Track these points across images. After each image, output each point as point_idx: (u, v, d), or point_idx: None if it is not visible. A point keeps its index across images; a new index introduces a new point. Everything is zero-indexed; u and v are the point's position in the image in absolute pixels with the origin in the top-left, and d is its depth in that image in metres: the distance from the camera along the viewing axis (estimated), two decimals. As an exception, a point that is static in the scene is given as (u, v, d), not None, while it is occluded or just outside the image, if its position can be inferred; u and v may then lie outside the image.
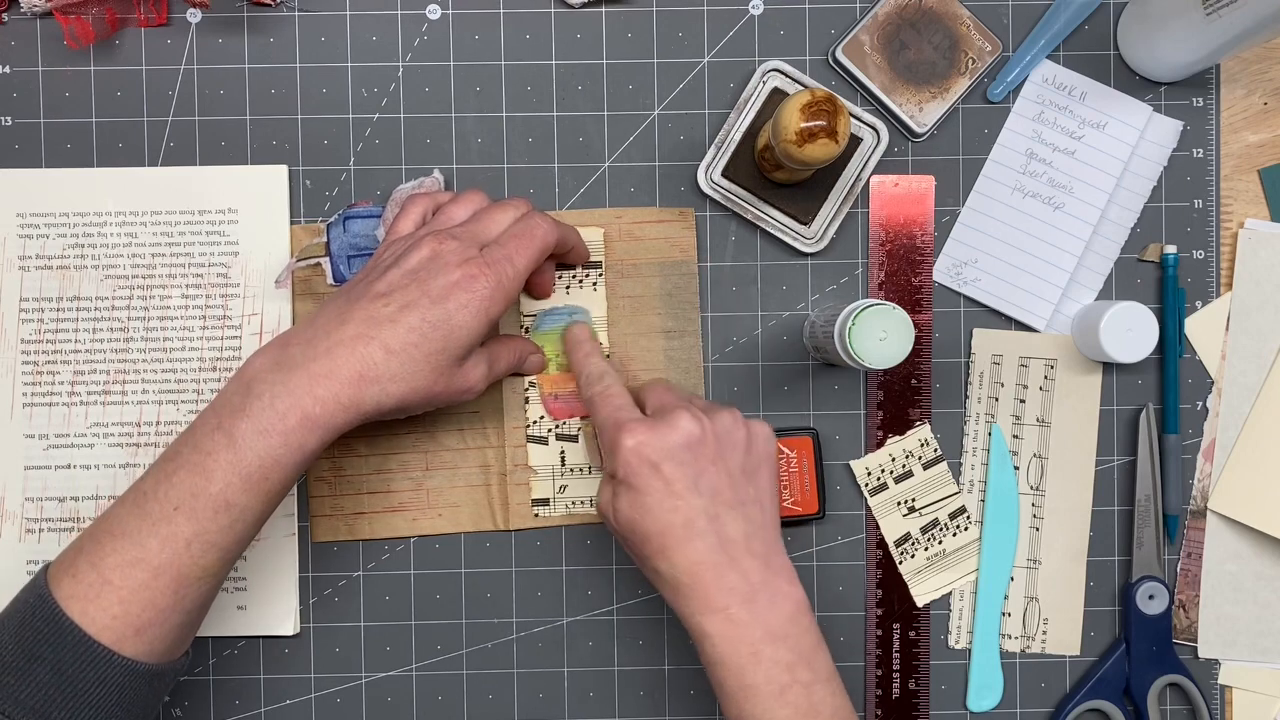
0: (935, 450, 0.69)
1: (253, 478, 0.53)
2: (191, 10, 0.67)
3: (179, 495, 0.53)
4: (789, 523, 0.68)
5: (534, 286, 0.66)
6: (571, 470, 0.68)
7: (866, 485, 0.68)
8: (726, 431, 0.58)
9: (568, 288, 0.67)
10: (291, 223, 0.67)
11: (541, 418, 0.67)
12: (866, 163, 0.67)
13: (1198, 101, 0.69)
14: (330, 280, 0.66)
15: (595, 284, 0.67)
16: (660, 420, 0.57)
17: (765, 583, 0.56)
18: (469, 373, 0.59)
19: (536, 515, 0.68)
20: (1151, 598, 0.68)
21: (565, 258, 0.65)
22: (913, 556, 0.68)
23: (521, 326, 0.67)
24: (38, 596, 0.53)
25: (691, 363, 0.68)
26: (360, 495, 0.67)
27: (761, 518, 0.58)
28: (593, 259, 0.67)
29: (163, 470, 0.54)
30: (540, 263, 0.60)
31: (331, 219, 0.66)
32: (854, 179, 0.67)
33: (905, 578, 0.68)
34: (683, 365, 0.68)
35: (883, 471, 0.68)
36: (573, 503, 0.68)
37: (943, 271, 0.69)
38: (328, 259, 0.66)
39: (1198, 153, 0.69)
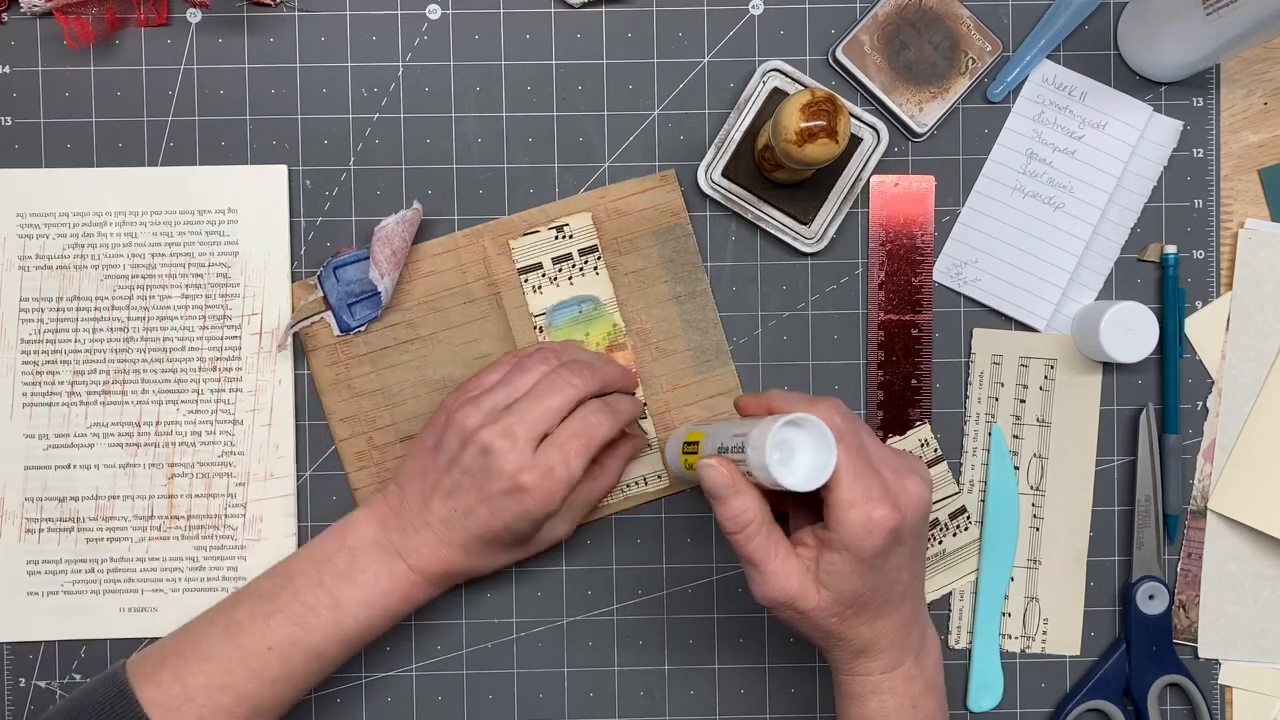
0: (935, 450, 0.69)
1: (348, 638, 0.59)
2: (191, 10, 0.67)
3: (275, 638, 0.58)
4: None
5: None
6: None
7: (866, 485, 0.68)
8: (929, 485, 0.55)
9: (570, 278, 0.67)
10: (291, 238, 0.67)
11: None
12: (866, 163, 0.67)
13: (1198, 101, 0.69)
14: (337, 331, 0.66)
15: (596, 268, 0.67)
16: (903, 493, 0.53)
17: (924, 631, 0.57)
18: (544, 538, 0.62)
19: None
20: (1151, 598, 0.68)
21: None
22: (913, 556, 0.68)
23: (535, 327, 0.67)
24: (118, 693, 0.57)
25: (708, 321, 0.68)
26: None
27: (923, 563, 0.57)
28: (588, 243, 0.67)
29: (259, 609, 0.59)
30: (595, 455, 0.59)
31: (320, 272, 0.66)
32: (854, 179, 0.67)
33: (905, 578, 0.68)
34: (700, 326, 0.68)
35: (883, 471, 0.68)
36: (627, 486, 0.68)
37: (943, 271, 0.69)
38: (329, 312, 0.66)
39: (1198, 153, 0.69)
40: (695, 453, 0.58)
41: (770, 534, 0.53)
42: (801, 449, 0.51)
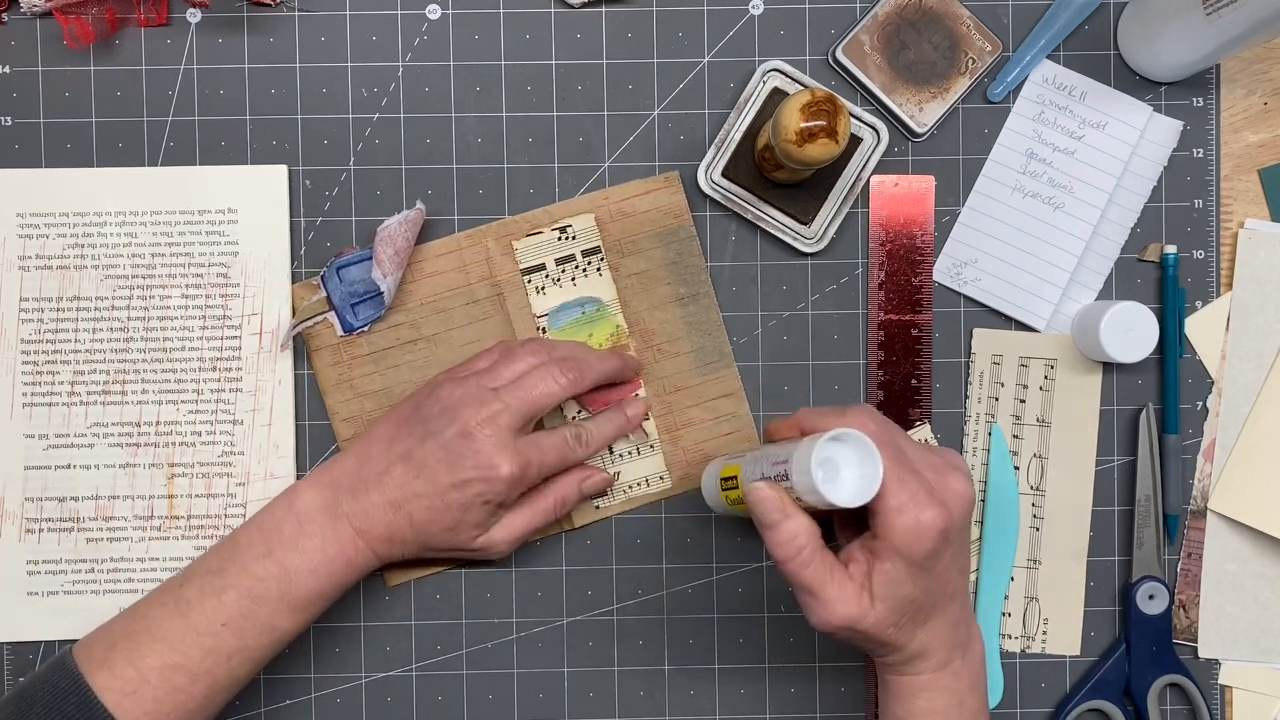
0: (935, 450, 0.69)
1: (299, 607, 0.59)
2: (191, 10, 0.67)
3: (228, 614, 0.58)
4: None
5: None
6: (621, 456, 0.68)
7: (866, 485, 0.68)
8: (970, 479, 0.55)
9: (573, 279, 0.67)
10: (292, 255, 0.67)
11: (579, 412, 0.67)
12: (866, 163, 0.67)
13: (1198, 101, 0.69)
14: (340, 331, 0.67)
15: (599, 269, 0.67)
16: (947, 492, 0.53)
17: (970, 626, 0.57)
18: (479, 539, 0.61)
19: (597, 508, 0.68)
20: (1151, 598, 0.68)
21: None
22: (913, 556, 0.68)
23: (537, 327, 0.67)
24: (69, 681, 0.56)
25: (711, 323, 0.68)
26: None
27: (969, 558, 0.57)
28: (591, 244, 0.67)
29: (209, 585, 0.59)
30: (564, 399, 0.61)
31: (323, 272, 0.66)
32: (854, 179, 0.67)
33: (905, 578, 0.68)
34: (703, 328, 0.68)
35: (883, 471, 0.68)
36: (630, 487, 0.68)
37: (943, 271, 0.69)
38: (332, 312, 0.66)
39: (1198, 153, 0.69)
40: (735, 486, 0.58)
41: (824, 558, 0.53)
42: (845, 464, 0.51)
